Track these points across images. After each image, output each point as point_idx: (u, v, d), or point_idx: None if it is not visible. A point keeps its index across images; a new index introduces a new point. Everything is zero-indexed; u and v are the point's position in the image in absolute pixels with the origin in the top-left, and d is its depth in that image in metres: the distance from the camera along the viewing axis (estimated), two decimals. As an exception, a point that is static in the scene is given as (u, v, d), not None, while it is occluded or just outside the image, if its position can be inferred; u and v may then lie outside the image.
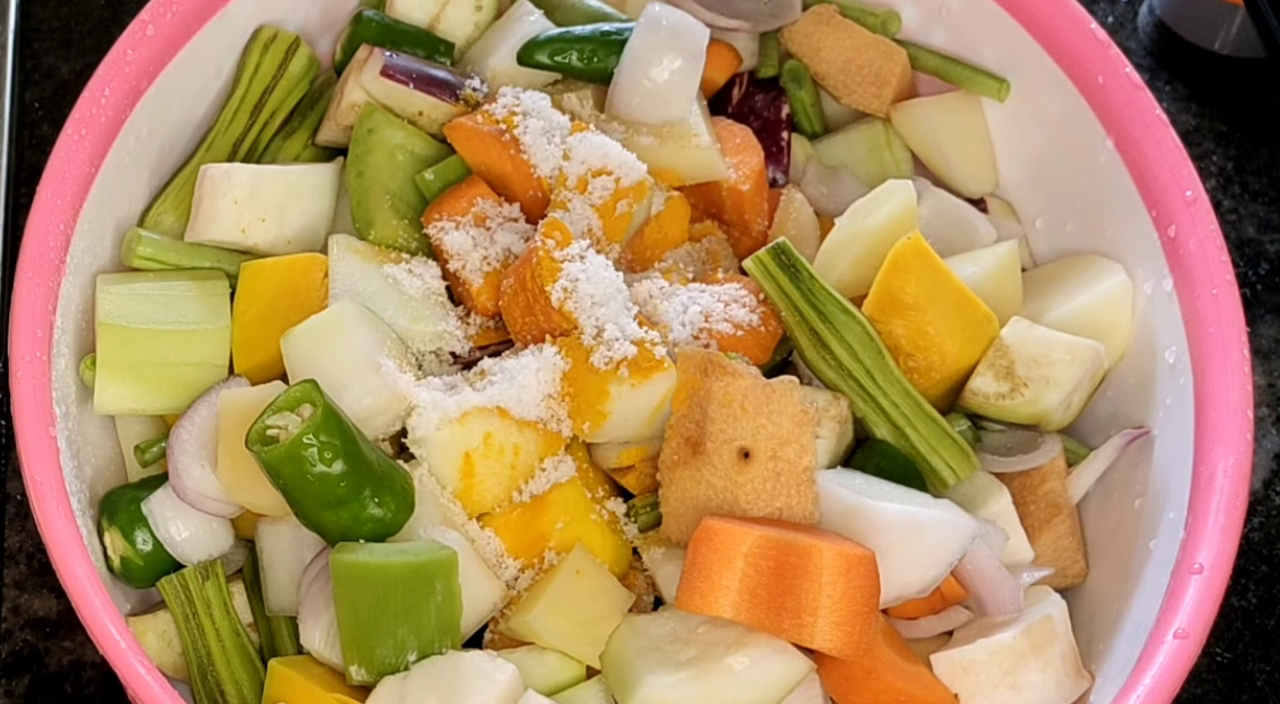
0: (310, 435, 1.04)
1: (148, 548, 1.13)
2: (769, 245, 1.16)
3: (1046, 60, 1.25)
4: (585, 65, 1.24)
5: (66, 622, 1.30)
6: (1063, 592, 1.16)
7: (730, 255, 1.26)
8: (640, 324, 1.12)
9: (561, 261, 1.12)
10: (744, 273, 1.18)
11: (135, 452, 1.17)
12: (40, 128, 1.50)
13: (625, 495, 1.16)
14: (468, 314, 1.19)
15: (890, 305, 1.16)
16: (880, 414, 1.15)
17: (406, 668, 1.05)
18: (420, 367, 1.16)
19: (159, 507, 1.13)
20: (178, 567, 1.14)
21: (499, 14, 1.31)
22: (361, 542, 1.07)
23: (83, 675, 1.29)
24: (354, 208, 1.20)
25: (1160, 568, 1.10)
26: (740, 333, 1.15)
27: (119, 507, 1.14)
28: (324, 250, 1.18)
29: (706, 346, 1.14)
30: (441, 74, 1.24)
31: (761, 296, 1.17)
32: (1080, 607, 1.17)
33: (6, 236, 1.38)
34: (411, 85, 1.22)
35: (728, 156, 1.24)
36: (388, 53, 1.23)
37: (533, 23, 1.28)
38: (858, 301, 1.17)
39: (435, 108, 1.23)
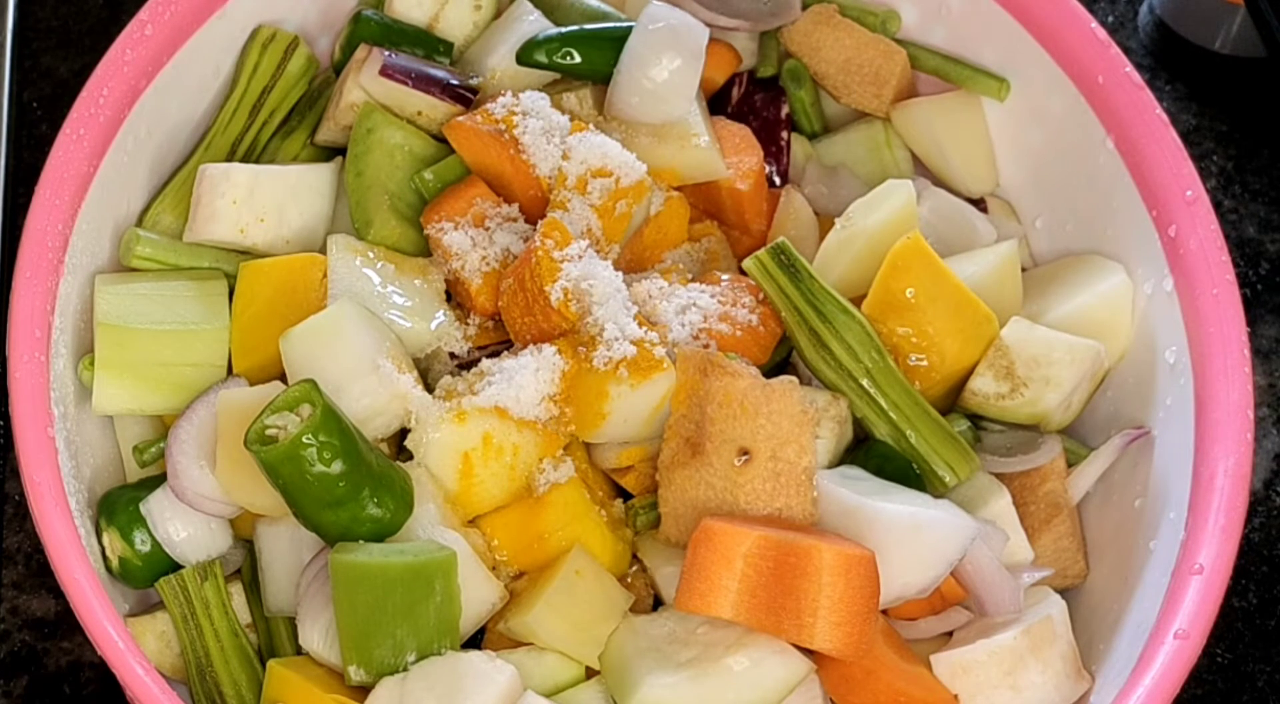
0: (309, 435, 1.04)
1: (146, 548, 1.13)
2: (768, 245, 1.16)
3: (1046, 60, 1.25)
4: (584, 65, 1.24)
5: (65, 622, 1.30)
6: (1063, 592, 1.15)
7: (730, 255, 1.25)
8: (640, 324, 1.12)
9: (561, 261, 1.12)
10: (743, 273, 1.18)
11: (134, 452, 1.17)
12: (39, 127, 1.49)
13: (625, 496, 1.16)
14: (467, 314, 1.19)
15: (890, 305, 1.16)
16: (880, 414, 1.15)
17: (405, 668, 1.05)
18: (419, 367, 1.16)
19: (157, 507, 1.13)
20: (176, 567, 1.14)
21: (498, 13, 1.31)
22: (360, 542, 1.07)
23: (81, 676, 1.29)
24: (353, 208, 1.20)
25: (1160, 568, 1.10)
26: (740, 333, 1.15)
27: (117, 507, 1.14)
28: (323, 250, 1.18)
29: (706, 347, 1.14)
30: (440, 73, 1.24)
31: (761, 297, 1.17)
32: (1080, 607, 1.17)
33: (5, 237, 1.38)
34: (410, 85, 1.22)
35: (727, 156, 1.24)
36: (387, 52, 1.23)
37: (532, 22, 1.27)
38: (857, 301, 1.17)
39: (434, 107, 1.23)
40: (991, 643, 1.09)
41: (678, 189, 1.24)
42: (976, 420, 1.20)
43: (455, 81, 1.24)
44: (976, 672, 1.09)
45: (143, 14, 1.19)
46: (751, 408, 1.09)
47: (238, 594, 1.15)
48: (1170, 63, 1.58)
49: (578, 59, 1.24)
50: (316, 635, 1.08)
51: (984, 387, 1.17)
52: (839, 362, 1.15)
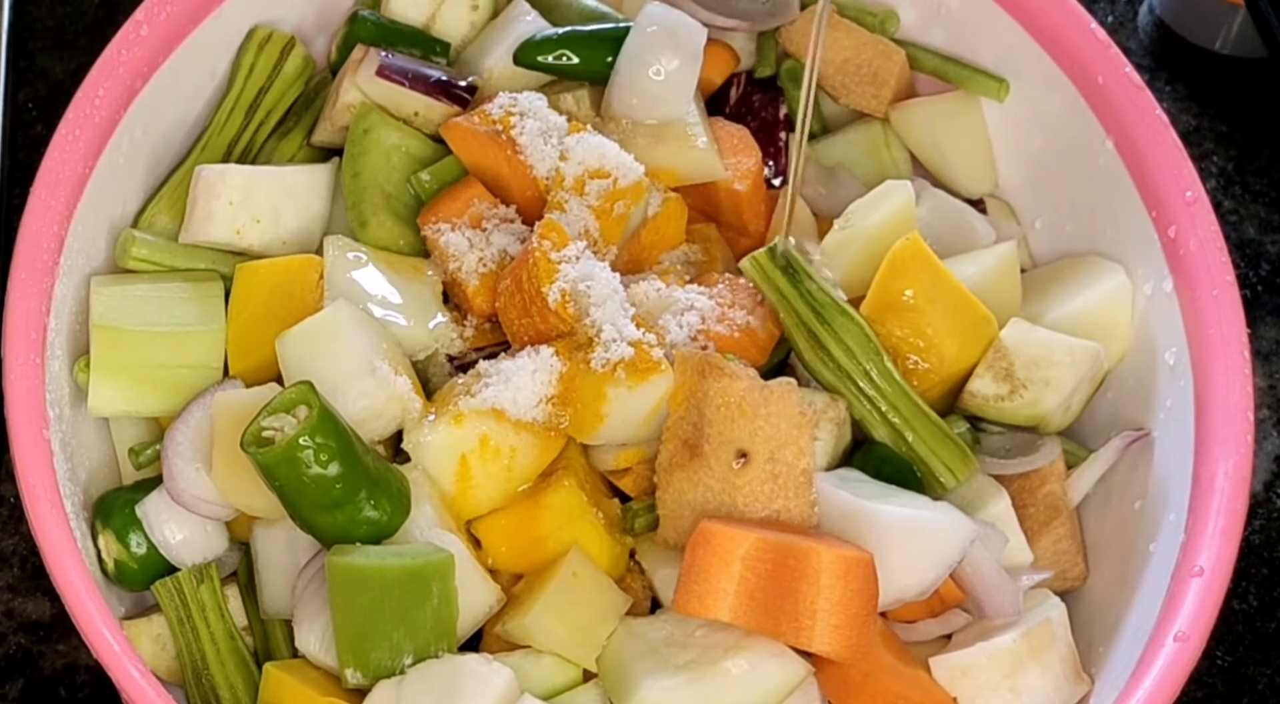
0: (306, 437, 1.03)
1: (142, 551, 1.13)
2: (766, 246, 1.16)
3: (1046, 60, 1.24)
4: (582, 65, 1.24)
5: (60, 625, 1.30)
6: (1062, 595, 1.15)
7: (728, 256, 1.25)
8: (637, 326, 1.12)
9: (558, 263, 1.12)
10: (741, 274, 1.18)
11: (130, 454, 1.16)
12: (34, 128, 1.49)
13: (623, 498, 1.16)
14: (464, 316, 1.18)
15: (888, 306, 1.15)
16: (878, 416, 1.14)
17: (402, 671, 1.05)
18: (416, 369, 1.16)
19: (153, 509, 1.13)
20: (172, 570, 1.14)
21: (495, 14, 1.31)
22: (357, 544, 1.07)
23: (76, 679, 1.29)
24: (349, 209, 1.20)
25: (1160, 571, 1.10)
26: (738, 334, 1.15)
27: (113, 509, 1.14)
28: (319, 251, 1.18)
29: (704, 348, 1.13)
30: (437, 74, 1.24)
31: (759, 298, 1.17)
32: (1080, 610, 1.17)
33: (0, 238, 1.38)
34: (407, 85, 1.22)
35: (725, 157, 1.24)
36: (383, 53, 1.23)
37: (529, 23, 1.27)
38: (856, 303, 1.16)
39: (431, 108, 1.23)
40: (991, 645, 1.09)
41: (675, 190, 1.23)
42: (976, 422, 1.20)
43: (452, 82, 1.24)
44: (976, 674, 1.09)
45: (138, 14, 1.18)
46: (750, 410, 1.09)
47: (234, 597, 1.15)
48: (1170, 63, 1.58)
49: (575, 60, 1.24)
50: (313, 638, 1.07)
51: (983, 388, 1.17)
52: (837, 363, 1.14)
